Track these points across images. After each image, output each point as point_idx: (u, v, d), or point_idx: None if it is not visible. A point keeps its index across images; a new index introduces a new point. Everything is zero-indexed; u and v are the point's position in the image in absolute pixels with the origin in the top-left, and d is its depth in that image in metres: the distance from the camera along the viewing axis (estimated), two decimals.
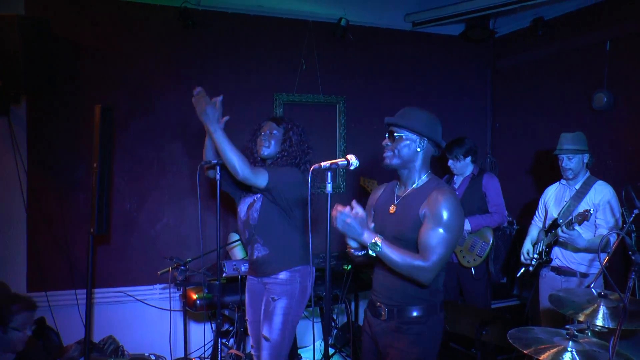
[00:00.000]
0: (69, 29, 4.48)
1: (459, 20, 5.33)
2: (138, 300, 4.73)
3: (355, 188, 5.24)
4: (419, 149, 2.55)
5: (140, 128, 4.74)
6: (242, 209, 3.47)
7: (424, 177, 2.60)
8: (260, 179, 3.15)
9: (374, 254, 2.42)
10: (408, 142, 2.55)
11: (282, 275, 3.33)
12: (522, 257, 4.09)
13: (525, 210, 5.37)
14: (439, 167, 5.21)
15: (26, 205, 4.37)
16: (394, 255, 2.40)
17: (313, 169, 2.43)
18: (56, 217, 4.45)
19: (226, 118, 3.17)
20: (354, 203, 2.43)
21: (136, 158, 4.74)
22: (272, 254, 3.34)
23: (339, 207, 2.40)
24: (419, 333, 2.53)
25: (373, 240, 2.40)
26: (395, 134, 2.56)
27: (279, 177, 3.22)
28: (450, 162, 4.68)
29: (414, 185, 2.60)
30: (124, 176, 4.69)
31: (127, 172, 4.70)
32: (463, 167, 4.66)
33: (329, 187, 2.38)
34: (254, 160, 3.46)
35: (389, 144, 2.59)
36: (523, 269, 4.04)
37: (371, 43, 5.51)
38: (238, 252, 4.57)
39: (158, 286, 4.77)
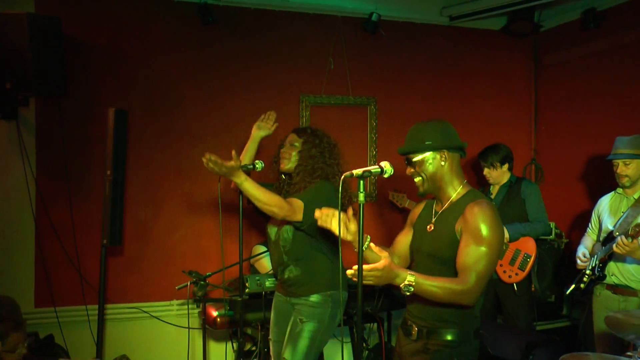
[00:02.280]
0: (81, 28, 4.50)
1: (501, 13, 5.26)
2: (153, 317, 4.70)
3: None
4: (443, 163, 2.58)
5: (156, 132, 4.73)
6: (272, 230, 3.50)
7: (459, 190, 2.62)
8: (298, 214, 3.20)
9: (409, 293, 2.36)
10: (430, 160, 2.58)
11: (314, 297, 3.34)
12: (578, 262, 3.91)
13: (575, 223, 5.26)
14: (474, 178, 5.19)
15: (34, 215, 4.38)
16: (432, 287, 2.33)
17: (344, 177, 2.40)
18: (66, 227, 4.44)
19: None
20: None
21: (152, 164, 4.72)
22: (304, 276, 3.37)
23: (366, 266, 2.25)
24: (447, 358, 2.50)
25: (406, 282, 2.30)
26: (414, 160, 2.60)
27: (313, 207, 3.20)
28: (486, 171, 4.62)
29: (450, 199, 2.62)
30: (139, 184, 4.68)
31: (142, 180, 4.69)
32: (500, 176, 4.60)
33: (361, 197, 2.33)
34: (278, 173, 3.55)
35: (412, 171, 2.63)
36: (573, 285, 3.90)
37: (405, 39, 5.45)
38: (265, 264, 4.51)
39: (175, 302, 4.75)
